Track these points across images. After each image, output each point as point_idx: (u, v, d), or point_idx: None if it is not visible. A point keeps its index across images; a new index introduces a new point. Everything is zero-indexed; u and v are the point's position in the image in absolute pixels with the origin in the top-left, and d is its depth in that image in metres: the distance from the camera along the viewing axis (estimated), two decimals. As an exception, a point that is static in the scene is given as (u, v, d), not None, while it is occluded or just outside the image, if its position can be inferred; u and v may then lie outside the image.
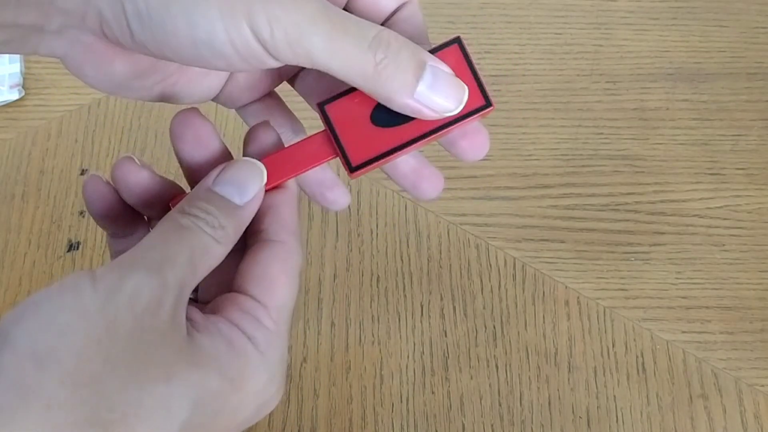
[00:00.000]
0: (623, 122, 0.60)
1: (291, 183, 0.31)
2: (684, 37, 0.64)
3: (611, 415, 0.50)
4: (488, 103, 0.30)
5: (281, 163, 0.30)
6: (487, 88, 0.30)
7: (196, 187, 0.29)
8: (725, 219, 0.56)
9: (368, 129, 0.30)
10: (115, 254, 0.32)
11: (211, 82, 0.33)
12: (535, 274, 0.54)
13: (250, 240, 0.30)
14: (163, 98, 0.32)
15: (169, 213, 0.28)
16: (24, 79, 0.61)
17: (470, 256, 0.55)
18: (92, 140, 0.59)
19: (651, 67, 0.63)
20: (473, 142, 0.32)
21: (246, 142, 0.31)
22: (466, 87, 0.29)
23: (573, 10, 0.65)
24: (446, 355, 0.51)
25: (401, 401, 0.50)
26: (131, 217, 0.32)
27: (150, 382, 0.24)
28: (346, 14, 0.27)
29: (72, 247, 0.55)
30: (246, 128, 0.32)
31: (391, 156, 0.30)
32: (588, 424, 0.50)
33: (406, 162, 0.32)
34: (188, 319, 0.26)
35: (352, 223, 0.56)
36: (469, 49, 0.30)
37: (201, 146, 0.30)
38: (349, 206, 0.56)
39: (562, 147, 0.59)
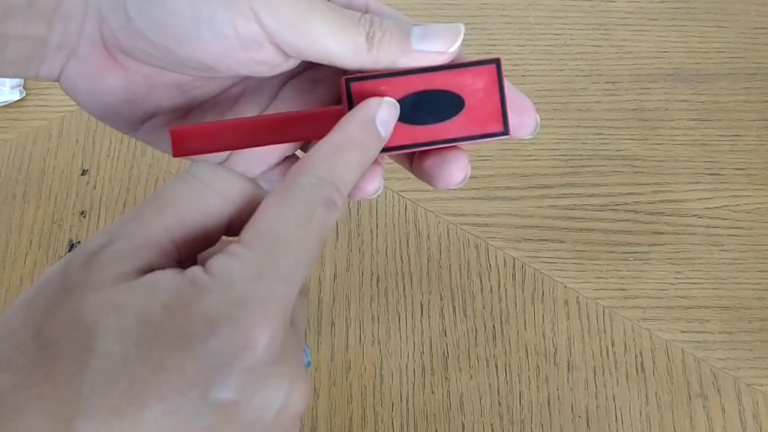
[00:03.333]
0: (622, 122, 0.60)
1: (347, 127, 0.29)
2: (683, 37, 0.64)
3: (610, 414, 0.50)
4: (506, 131, 0.30)
5: (282, 125, 0.29)
6: (510, 116, 0.30)
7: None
8: (724, 219, 0.57)
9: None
10: None
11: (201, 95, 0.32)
12: (534, 274, 0.54)
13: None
14: (153, 140, 0.31)
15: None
16: (25, 79, 0.61)
17: (470, 256, 0.55)
18: (93, 140, 0.59)
19: (650, 67, 0.63)
20: (519, 115, 0.31)
21: None
22: (460, 27, 0.30)
23: (572, 10, 0.65)
24: (446, 354, 0.52)
25: (401, 401, 0.50)
26: None
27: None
28: (332, 3, 0.28)
29: (73, 247, 0.55)
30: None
31: (403, 152, 0.30)
32: (587, 424, 0.50)
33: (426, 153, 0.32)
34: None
35: (352, 223, 0.56)
36: (504, 74, 0.30)
37: None
38: (349, 206, 0.56)
39: (561, 147, 0.59)
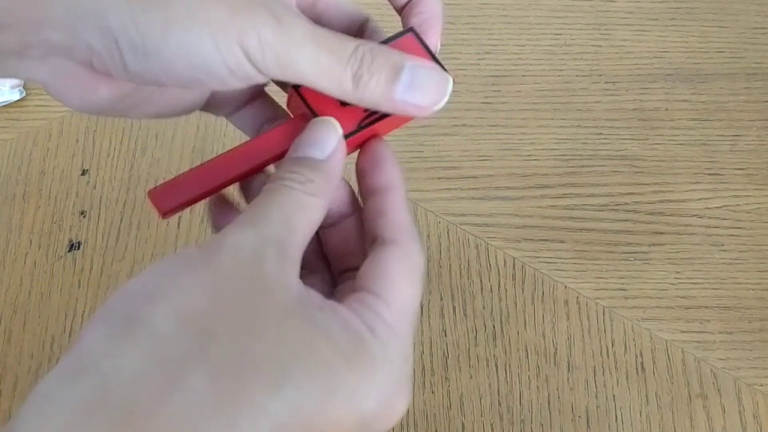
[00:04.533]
0: (622, 122, 0.60)
1: (400, 184, 0.31)
2: (683, 37, 0.64)
3: (610, 414, 0.50)
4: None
5: (251, 153, 0.30)
6: (444, 65, 0.31)
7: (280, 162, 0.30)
8: (724, 219, 0.57)
9: (338, 107, 0.30)
10: None
11: (194, 95, 0.33)
12: (534, 274, 0.54)
13: (369, 247, 0.30)
14: (148, 115, 0.32)
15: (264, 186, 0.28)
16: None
17: (470, 255, 0.55)
18: (93, 140, 0.59)
19: (650, 67, 0.63)
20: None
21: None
22: (449, 78, 0.30)
23: (572, 10, 0.65)
24: (446, 354, 0.52)
25: (401, 401, 0.50)
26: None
27: (259, 332, 0.24)
28: (330, 33, 0.29)
29: (73, 247, 0.55)
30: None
31: (367, 130, 0.31)
32: (587, 424, 0.50)
33: None
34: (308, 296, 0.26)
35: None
36: (422, 36, 0.32)
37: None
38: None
39: (561, 147, 0.59)
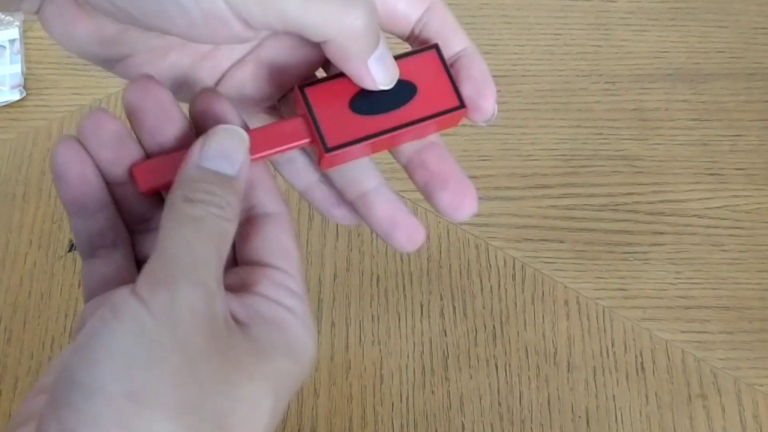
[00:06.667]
0: (622, 123, 0.60)
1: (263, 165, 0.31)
2: (683, 37, 0.64)
3: (610, 414, 0.50)
4: (462, 105, 0.31)
5: (256, 141, 0.29)
6: (463, 93, 0.31)
7: (184, 167, 0.27)
8: (724, 219, 0.57)
9: (347, 115, 0.30)
10: (90, 278, 0.30)
11: (182, 60, 0.32)
12: (534, 274, 0.54)
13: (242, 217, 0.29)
14: (128, 77, 0.32)
15: (169, 199, 0.27)
16: (25, 79, 0.61)
17: (470, 256, 0.55)
18: (93, 140, 0.59)
19: (650, 67, 0.63)
20: (456, 196, 0.33)
21: (196, 110, 0.30)
22: (397, 69, 0.30)
23: (572, 10, 0.65)
24: (446, 354, 0.52)
25: (401, 401, 0.50)
26: (101, 196, 0.30)
27: (237, 388, 0.25)
28: None
29: (73, 247, 0.55)
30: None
31: (368, 143, 0.30)
32: (587, 424, 0.50)
33: (380, 207, 0.32)
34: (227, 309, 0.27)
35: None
36: (445, 55, 0.31)
37: (166, 119, 0.29)
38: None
39: (561, 147, 0.59)
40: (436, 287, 0.54)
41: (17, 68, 0.61)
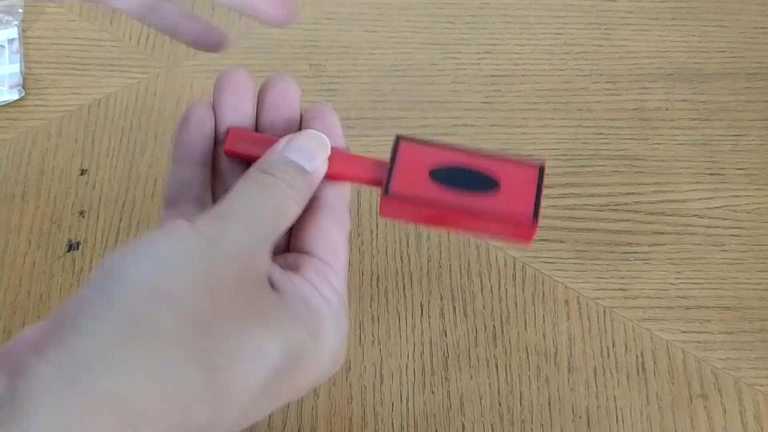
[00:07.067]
0: (623, 122, 0.60)
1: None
2: (684, 37, 0.64)
3: (611, 415, 0.50)
4: (532, 221, 0.31)
5: (335, 162, 0.32)
6: (540, 212, 0.31)
7: (268, 151, 0.31)
8: (725, 219, 0.56)
9: (423, 177, 0.32)
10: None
11: None
12: (534, 274, 0.54)
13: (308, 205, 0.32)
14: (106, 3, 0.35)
15: (249, 170, 0.30)
16: (24, 79, 0.61)
17: (470, 256, 0.55)
18: (92, 140, 0.59)
19: (651, 67, 0.63)
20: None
21: (308, 115, 0.34)
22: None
23: (573, 10, 0.65)
24: (446, 354, 0.52)
25: (401, 401, 0.50)
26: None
27: (252, 327, 0.26)
28: None
29: (72, 247, 0.55)
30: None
31: (427, 206, 0.31)
32: (588, 424, 0.50)
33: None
34: (272, 277, 0.28)
35: (352, 223, 0.56)
36: (545, 179, 0.32)
37: (281, 108, 0.33)
38: (349, 206, 0.56)
39: (561, 147, 0.59)
40: (436, 287, 0.54)
41: (16, 68, 0.61)
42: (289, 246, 0.32)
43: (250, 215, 0.28)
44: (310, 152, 0.31)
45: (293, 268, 0.30)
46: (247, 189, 0.29)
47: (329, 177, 0.32)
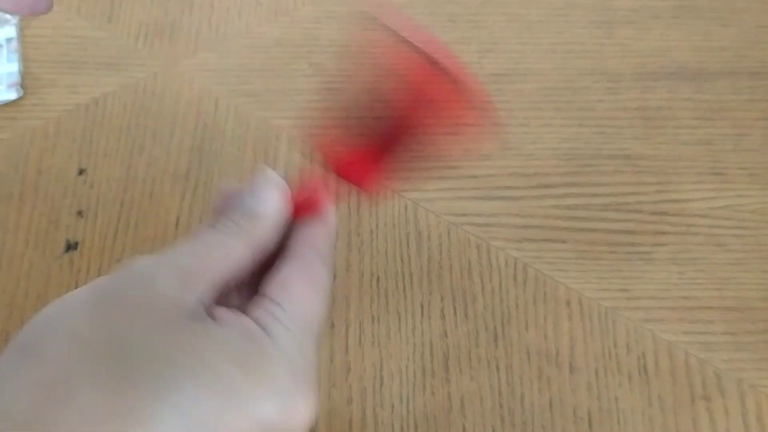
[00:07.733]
0: (625, 121, 0.60)
1: (331, 219, 0.34)
2: (686, 36, 0.64)
3: (613, 416, 0.50)
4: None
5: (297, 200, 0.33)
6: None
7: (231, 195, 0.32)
8: (728, 219, 0.56)
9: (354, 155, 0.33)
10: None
11: None
12: (536, 275, 0.54)
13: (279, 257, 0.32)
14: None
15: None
16: (22, 78, 0.61)
17: (471, 256, 0.54)
18: (90, 140, 0.59)
19: (653, 66, 0.62)
20: None
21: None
22: None
23: (574, 8, 0.65)
24: (447, 356, 0.51)
25: (401, 402, 0.50)
26: None
27: (146, 349, 0.25)
28: None
29: (70, 247, 0.54)
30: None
31: (383, 156, 0.33)
32: (589, 426, 0.49)
33: None
34: (213, 315, 0.28)
35: (351, 223, 0.55)
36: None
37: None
38: (349, 206, 0.56)
39: (563, 146, 0.59)
40: (436, 288, 0.53)
41: (14, 67, 0.61)
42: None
43: (167, 249, 0.28)
44: (260, 195, 0.31)
45: (244, 309, 0.29)
46: (196, 232, 0.30)
47: (296, 214, 0.32)
